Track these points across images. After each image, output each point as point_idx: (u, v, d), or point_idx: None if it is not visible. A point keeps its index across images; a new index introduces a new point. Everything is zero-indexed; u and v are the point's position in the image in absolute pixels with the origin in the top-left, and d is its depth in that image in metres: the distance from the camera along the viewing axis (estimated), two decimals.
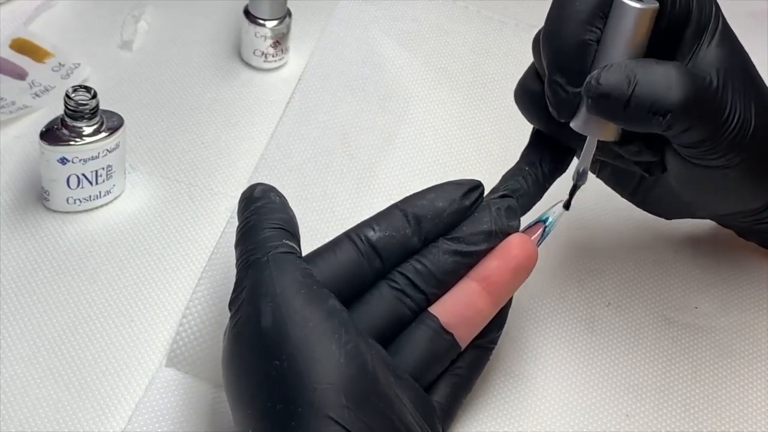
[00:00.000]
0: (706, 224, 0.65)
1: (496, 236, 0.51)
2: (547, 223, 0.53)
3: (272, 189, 0.51)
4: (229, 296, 0.48)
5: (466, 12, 0.79)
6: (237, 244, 0.49)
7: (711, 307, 0.62)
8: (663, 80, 0.48)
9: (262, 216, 0.49)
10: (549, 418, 0.56)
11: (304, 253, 0.50)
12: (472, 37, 0.77)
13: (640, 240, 0.65)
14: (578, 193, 0.66)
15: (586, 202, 0.66)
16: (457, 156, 0.68)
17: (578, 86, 0.50)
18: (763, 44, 0.78)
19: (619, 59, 0.49)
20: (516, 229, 0.52)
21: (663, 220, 0.63)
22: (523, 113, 0.55)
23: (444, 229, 0.51)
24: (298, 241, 0.49)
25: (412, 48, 0.75)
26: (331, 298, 0.46)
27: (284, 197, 0.51)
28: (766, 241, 0.63)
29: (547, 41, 0.50)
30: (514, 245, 0.51)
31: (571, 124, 0.51)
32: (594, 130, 0.51)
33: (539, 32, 0.52)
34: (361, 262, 0.49)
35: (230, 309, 0.48)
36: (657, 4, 0.49)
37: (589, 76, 0.49)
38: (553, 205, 0.54)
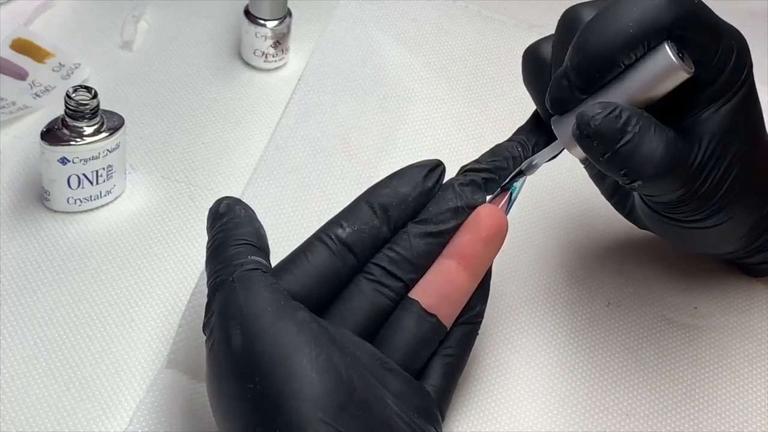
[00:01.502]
0: None
1: (463, 211, 0.51)
2: (511, 191, 0.53)
3: (238, 202, 0.51)
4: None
5: (466, 12, 0.79)
6: (206, 264, 0.49)
7: (711, 307, 0.62)
8: (647, 152, 0.48)
9: (228, 233, 0.49)
10: (548, 418, 0.56)
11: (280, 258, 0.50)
12: (472, 36, 0.77)
13: (641, 240, 0.65)
14: (579, 193, 0.66)
15: (586, 202, 0.66)
16: (457, 156, 0.68)
17: (585, 94, 0.49)
18: (763, 44, 0.78)
19: (626, 98, 0.48)
20: (481, 202, 0.51)
21: None
22: (524, 76, 0.54)
23: (411, 214, 0.51)
24: (266, 254, 0.49)
25: (412, 48, 0.75)
26: (299, 311, 0.46)
27: (251, 209, 0.51)
28: (741, 267, 0.64)
29: (582, 40, 0.48)
30: (482, 216, 0.51)
31: (553, 120, 0.51)
32: (568, 141, 0.50)
33: (573, 9, 0.51)
34: (334, 261, 0.49)
35: (204, 332, 0.47)
36: (693, 70, 0.48)
37: (590, 108, 0.48)
38: (515, 172, 0.53)
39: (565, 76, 0.49)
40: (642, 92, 0.49)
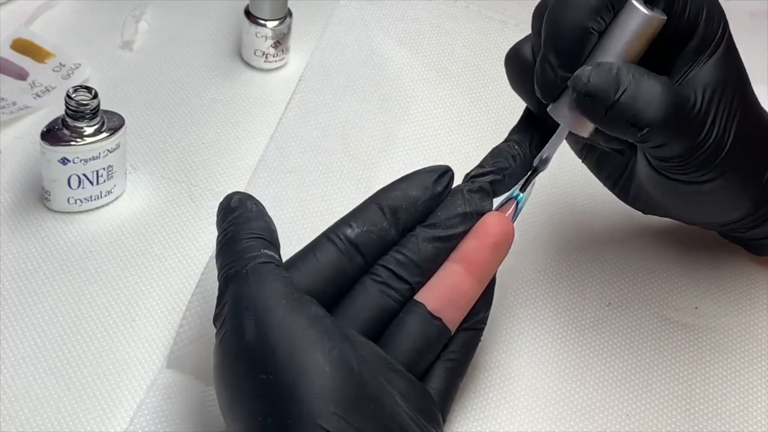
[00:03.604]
0: None
1: (472, 217, 0.51)
2: (518, 200, 0.53)
3: (249, 197, 0.51)
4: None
5: (467, 12, 0.79)
6: (217, 257, 0.49)
7: (711, 307, 0.62)
8: (648, 94, 0.49)
9: (240, 226, 0.49)
10: (549, 418, 0.56)
11: (289, 255, 0.50)
12: (472, 37, 0.77)
13: (641, 240, 0.65)
14: (579, 194, 0.66)
15: (585, 203, 0.66)
16: (458, 156, 0.68)
17: (569, 72, 0.50)
18: (763, 44, 0.78)
19: (613, 59, 0.50)
20: (489, 209, 0.52)
21: (663, 219, 0.63)
22: (509, 79, 0.55)
23: (420, 218, 0.51)
24: (277, 249, 0.49)
25: (412, 48, 0.75)
26: (313, 305, 0.46)
27: (261, 205, 0.51)
28: (746, 246, 0.64)
29: (549, 19, 0.50)
30: (490, 223, 0.51)
31: (549, 109, 0.52)
32: (570, 121, 0.51)
33: (542, 2, 0.52)
34: (342, 261, 0.49)
35: (215, 324, 0.48)
36: (665, 16, 0.50)
37: (579, 70, 0.49)
38: (522, 182, 0.54)
39: (545, 60, 0.50)
40: (624, 50, 0.50)
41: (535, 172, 0.54)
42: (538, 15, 0.52)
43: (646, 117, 0.49)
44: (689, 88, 0.51)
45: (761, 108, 0.55)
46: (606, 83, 0.48)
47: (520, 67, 0.54)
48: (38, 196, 0.62)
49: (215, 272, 0.57)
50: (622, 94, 0.48)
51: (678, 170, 0.53)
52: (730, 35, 0.52)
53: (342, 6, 0.76)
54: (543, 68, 0.50)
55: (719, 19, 0.52)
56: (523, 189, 0.53)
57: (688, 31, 0.51)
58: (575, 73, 0.49)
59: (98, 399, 0.53)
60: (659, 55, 0.51)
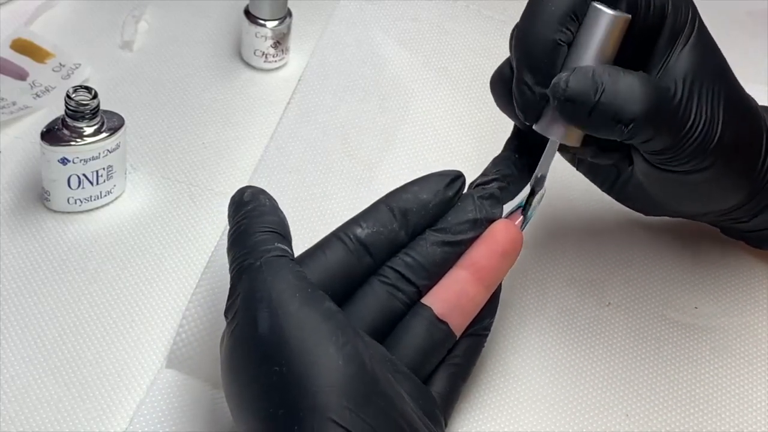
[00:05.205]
0: (705, 224, 0.65)
1: (481, 224, 0.51)
2: (526, 209, 0.54)
3: (262, 192, 0.51)
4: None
5: (467, 11, 0.79)
6: (229, 250, 0.49)
7: (711, 307, 0.62)
8: (627, 90, 0.49)
9: (253, 220, 0.49)
10: (549, 418, 0.56)
11: (295, 255, 0.50)
12: (472, 36, 0.77)
13: (641, 240, 0.65)
14: (578, 194, 0.66)
15: (585, 203, 0.66)
16: (458, 156, 0.68)
17: (546, 87, 0.50)
18: (763, 44, 0.78)
19: (588, 63, 0.50)
20: (499, 216, 0.52)
21: (661, 220, 0.63)
22: (496, 101, 0.55)
23: (430, 221, 0.51)
24: (290, 244, 0.50)
25: (412, 48, 0.75)
26: (326, 300, 0.47)
27: (274, 200, 0.51)
28: (747, 239, 0.64)
29: (517, 40, 0.51)
30: (499, 231, 0.51)
31: (535, 127, 0.52)
32: (558, 133, 0.51)
33: (516, 26, 0.52)
34: (351, 260, 0.49)
35: (226, 316, 0.48)
36: (629, 15, 0.50)
37: (557, 77, 0.49)
38: (528, 193, 0.54)
39: (521, 81, 0.51)
40: (596, 54, 0.50)
41: (533, 193, 0.54)
42: (511, 39, 0.53)
43: (629, 112, 0.49)
44: (668, 79, 0.51)
45: (746, 94, 0.55)
46: (584, 85, 0.49)
47: (506, 88, 0.54)
48: (38, 196, 0.62)
49: (215, 273, 0.57)
50: (602, 93, 0.49)
51: (673, 162, 0.53)
52: (701, 24, 0.52)
53: (342, 6, 0.76)
54: (521, 90, 0.51)
55: (687, 7, 0.52)
56: (524, 212, 0.53)
57: (657, 23, 0.51)
58: (552, 82, 0.49)
59: (98, 399, 0.53)
60: (635, 52, 0.51)
